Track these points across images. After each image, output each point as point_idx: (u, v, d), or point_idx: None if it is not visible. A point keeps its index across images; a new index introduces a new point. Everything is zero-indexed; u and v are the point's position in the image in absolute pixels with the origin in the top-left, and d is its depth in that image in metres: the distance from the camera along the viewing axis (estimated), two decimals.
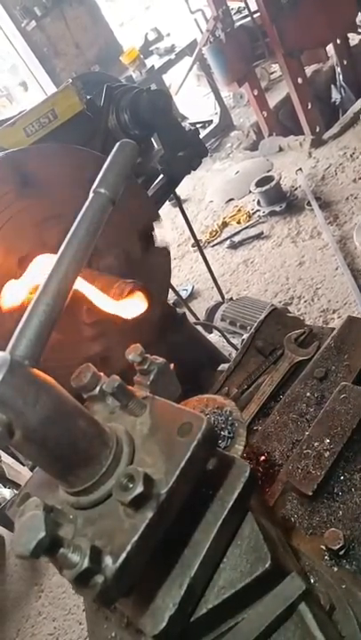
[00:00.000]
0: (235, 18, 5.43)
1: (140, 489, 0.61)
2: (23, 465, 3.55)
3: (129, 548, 0.60)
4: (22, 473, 3.62)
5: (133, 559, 0.61)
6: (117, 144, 0.85)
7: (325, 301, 3.79)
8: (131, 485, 0.63)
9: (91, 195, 0.80)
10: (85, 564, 0.57)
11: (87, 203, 0.79)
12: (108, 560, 0.60)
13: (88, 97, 1.85)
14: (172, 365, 0.89)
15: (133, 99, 1.92)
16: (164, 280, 1.83)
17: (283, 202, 4.79)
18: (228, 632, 0.72)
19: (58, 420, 0.63)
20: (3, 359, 0.60)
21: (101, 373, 0.82)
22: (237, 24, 5.31)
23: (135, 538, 0.61)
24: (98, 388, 0.79)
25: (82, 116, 1.78)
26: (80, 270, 0.74)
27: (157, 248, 1.73)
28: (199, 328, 2.78)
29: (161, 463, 0.67)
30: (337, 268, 3.92)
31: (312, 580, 0.93)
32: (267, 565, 0.69)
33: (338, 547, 0.96)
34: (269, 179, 4.84)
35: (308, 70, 6.40)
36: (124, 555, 0.60)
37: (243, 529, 0.74)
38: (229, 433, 1.05)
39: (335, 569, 0.96)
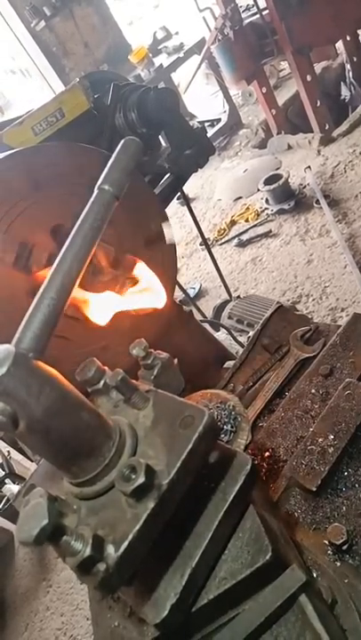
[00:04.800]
0: (243, 15, 5.41)
1: (141, 480, 0.63)
2: (31, 461, 3.58)
3: (131, 537, 0.62)
4: (31, 469, 3.66)
5: (135, 548, 0.62)
6: (122, 141, 0.87)
7: (334, 300, 3.78)
8: (133, 476, 0.64)
9: (95, 191, 0.81)
10: (88, 551, 0.59)
11: (92, 199, 0.80)
12: (110, 549, 0.61)
13: (95, 96, 1.87)
14: (175, 360, 0.90)
15: (140, 97, 1.93)
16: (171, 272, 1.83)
17: (291, 200, 4.78)
18: (228, 622, 0.73)
19: (61, 412, 0.64)
20: (7, 351, 0.61)
21: (105, 367, 0.83)
22: (246, 22, 5.29)
23: (137, 527, 0.62)
24: (102, 382, 0.81)
25: (89, 114, 1.80)
26: (84, 265, 0.76)
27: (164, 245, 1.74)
28: (206, 326, 2.79)
29: (163, 455, 0.68)
30: (346, 267, 3.91)
31: (315, 575, 0.93)
32: (267, 557, 0.70)
33: (341, 542, 0.96)
34: (278, 177, 4.83)
35: (318, 67, 6.38)
36: (125, 543, 0.61)
37: (244, 521, 0.75)
38: (232, 427, 1.05)
39: (338, 564, 0.96)
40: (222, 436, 1.05)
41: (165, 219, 1.77)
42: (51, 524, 0.56)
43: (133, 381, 0.81)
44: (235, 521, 0.75)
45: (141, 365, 0.88)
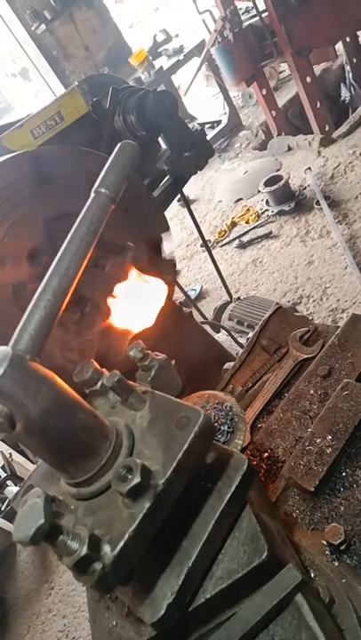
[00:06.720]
0: (243, 18, 5.43)
1: (137, 480, 0.63)
2: (33, 463, 3.59)
3: (127, 536, 0.62)
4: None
5: (131, 547, 0.63)
6: (118, 145, 0.87)
7: (334, 300, 3.78)
8: (129, 476, 0.65)
9: (92, 194, 0.82)
10: (84, 551, 0.59)
11: (88, 202, 0.81)
12: (106, 548, 0.62)
13: (94, 99, 1.88)
14: (172, 361, 0.91)
15: (139, 100, 1.94)
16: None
17: (292, 201, 4.78)
18: (225, 622, 0.73)
19: (58, 413, 0.65)
20: (4, 353, 0.62)
21: (103, 369, 0.84)
22: (245, 24, 5.31)
23: (133, 527, 0.63)
24: (99, 384, 0.81)
25: (88, 117, 1.81)
26: (81, 268, 0.76)
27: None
28: (207, 327, 2.79)
29: (159, 455, 0.69)
30: (346, 267, 3.91)
31: (313, 574, 0.93)
32: (263, 556, 0.70)
33: (339, 542, 0.96)
34: (278, 178, 4.84)
35: (317, 69, 6.39)
36: (121, 543, 0.62)
37: (241, 521, 0.76)
38: (229, 428, 1.06)
39: (336, 564, 0.96)
40: (219, 436, 1.05)
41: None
42: (47, 523, 0.57)
43: (130, 382, 0.82)
44: (231, 521, 0.75)
45: (139, 367, 0.89)
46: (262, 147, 6.42)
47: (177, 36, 7.44)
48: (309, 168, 5.11)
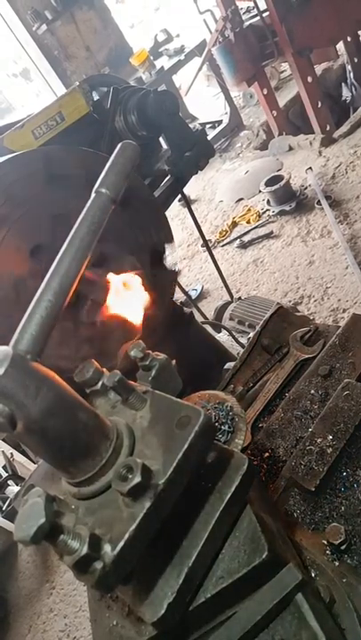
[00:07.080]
0: (244, 17, 5.43)
1: (137, 479, 0.63)
2: (34, 463, 3.59)
3: (127, 536, 0.62)
4: None
5: (131, 547, 0.63)
6: (119, 145, 0.88)
7: (335, 300, 3.78)
8: (129, 476, 0.65)
9: (93, 194, 0.82)
10: (84, 550, 0.59)
11: (89, 202, 0.81)
12: (106, 547, 0.62)
13: (95, 99, 1.88)
14: (173, 361, 0.91)
15: (140, 100, 1.94)
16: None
17: (293, 201, 4.78)
18: (226, 621, 0.73)
19: (58, 412, 0.65)
20: (5, 353, 0.62)
21: (104, 369, 0.84)
22: (246, 24, 5.31)
23: (133, 526, 0.63)
24: (100, 383, 0.82)
25: (89, 117, 1.81)
26: (82, 268, 0.76)
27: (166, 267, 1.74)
28: (208, 327, 2.79)
29: (159, 455, 0.69)
30: (347, 267, 3.91)
31: (313, 574, 0.93)
32: (264, 556, 0.70)
33: (339, 541, 0.96)
34: (279, 178, 4.84)
35: (318, 69, 6.39)
36: (122, 543, 0.62)
37: (241, 521, 0.76)
38: (230, 427, 1.06)
39: (336, 563, 0.96)
40: (220, 436, 1.05)
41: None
42: (47, 522, 0.57)
43: (131, 382, 0.82)
44: (232, 520, 0.75)
45: (139, 366, 0.89)
46: (263, 146, 6.42)
47: (178, 35, 7.44)
48: (310, 168, 5.11)
